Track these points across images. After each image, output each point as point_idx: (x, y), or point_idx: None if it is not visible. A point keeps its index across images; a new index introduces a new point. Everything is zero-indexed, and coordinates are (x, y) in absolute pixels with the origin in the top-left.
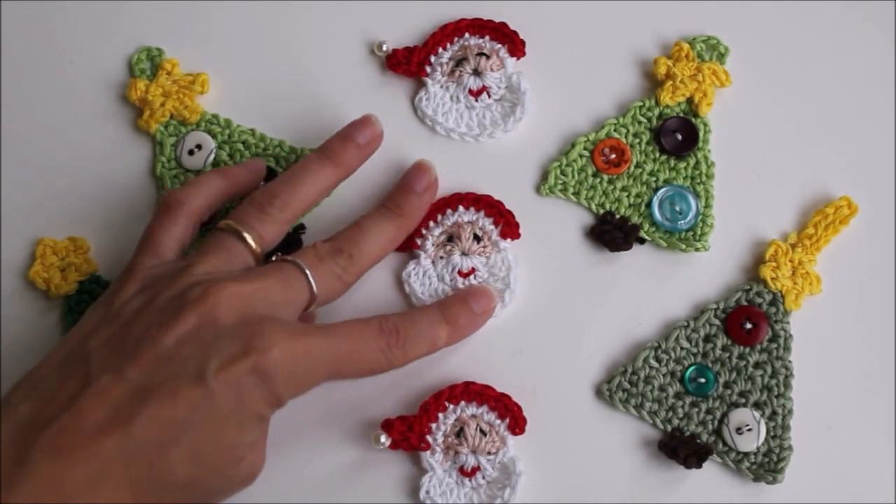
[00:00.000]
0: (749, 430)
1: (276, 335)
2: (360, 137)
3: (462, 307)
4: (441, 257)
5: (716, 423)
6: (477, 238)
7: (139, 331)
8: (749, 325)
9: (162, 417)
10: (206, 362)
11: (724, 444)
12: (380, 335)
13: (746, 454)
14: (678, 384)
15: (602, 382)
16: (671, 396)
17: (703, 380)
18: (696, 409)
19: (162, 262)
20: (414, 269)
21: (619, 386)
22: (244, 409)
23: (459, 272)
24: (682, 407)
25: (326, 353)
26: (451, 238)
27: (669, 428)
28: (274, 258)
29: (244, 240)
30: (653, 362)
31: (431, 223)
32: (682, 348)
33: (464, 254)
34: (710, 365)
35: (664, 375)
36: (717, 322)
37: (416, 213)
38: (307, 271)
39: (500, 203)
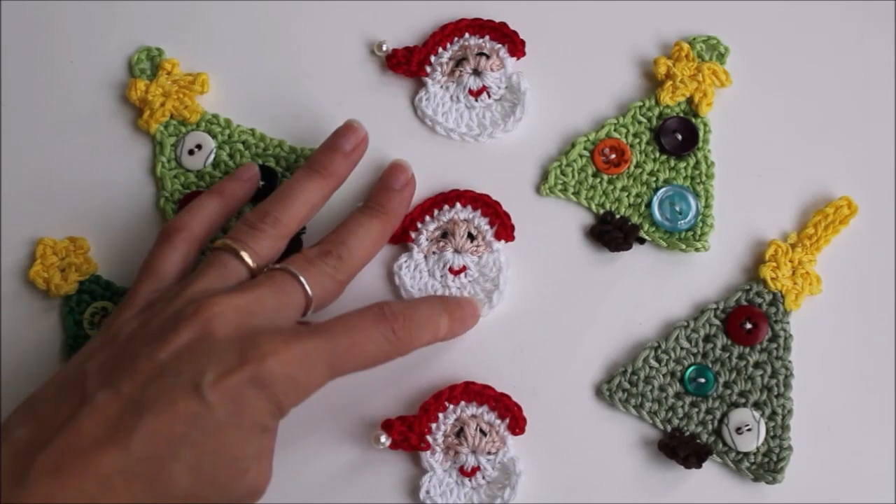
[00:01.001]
0: (749, 430)
1: (271, 343)
2: (346, 145)
3: (461, 302)
4: (433, 252)
5: (716, 423)
6: (471, 237)
7: (135, 349)
8: (749, 325)
9: (159, 431)
10: (202, 374)
11: (724, 444)
12: (381, 321)
13: (746, 454)
14: (678, 384)
15: (602, 382)
16: (671, 396)
17: (702, 380)
18: (696, 409)
19: (161, 287)
20: (406, 261)
21: (619, 386)
22: (245, 421)
23: (450, 269)
24: (682, 407)
25: (325, 353)
26: (446, 234)
27: (669, 428)
28: (265, 269)
29: (239, 256)
30: (653, 362)
31: (427, 218)
32: (682, 348)
33: (456, 251)
34: (710, 365)
35: (664, 375)
36: (717, 322)
37: (398, 209)
38: (299, 276)
39: (497, 203)
